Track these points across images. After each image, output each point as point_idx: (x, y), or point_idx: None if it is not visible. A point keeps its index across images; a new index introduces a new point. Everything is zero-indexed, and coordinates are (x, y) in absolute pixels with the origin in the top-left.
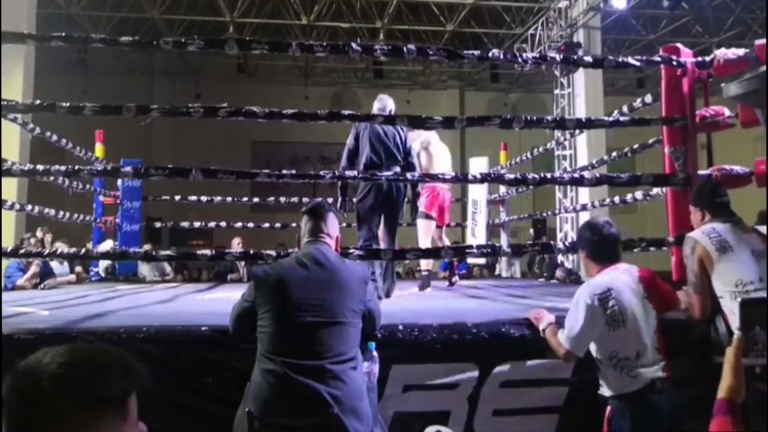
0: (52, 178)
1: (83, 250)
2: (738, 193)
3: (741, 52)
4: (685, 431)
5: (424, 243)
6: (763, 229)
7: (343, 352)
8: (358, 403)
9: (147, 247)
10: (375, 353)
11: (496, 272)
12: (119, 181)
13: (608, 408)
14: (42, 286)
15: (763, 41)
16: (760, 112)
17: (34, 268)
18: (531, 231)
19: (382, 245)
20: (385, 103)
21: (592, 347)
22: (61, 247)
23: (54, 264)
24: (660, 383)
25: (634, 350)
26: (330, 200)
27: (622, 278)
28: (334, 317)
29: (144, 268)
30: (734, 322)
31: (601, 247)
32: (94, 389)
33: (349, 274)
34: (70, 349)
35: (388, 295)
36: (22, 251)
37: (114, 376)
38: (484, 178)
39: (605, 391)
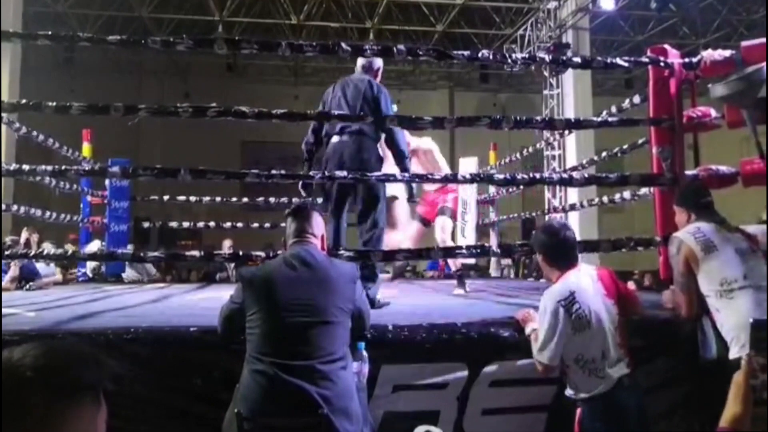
0: (38, 178)
1: (70, 251)
2: (725, 193)
3: (727, 53)
4: (671, 429)
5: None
6: (754, 228)
7: (332, 351)
8: (348, 403)
9: (130, 247)
10: (365, 353)
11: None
12: (107, 181)
13: (578, 410)
14: (27, 287)
15: (748, 42)
16: (746, 113)
17: (13, 270)
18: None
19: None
20: (370, 60)
21: None
22: (48, 247)
23: (40, 265)
24: (626, 380)
25: (599, 351)
26: (320, 200)
27: (582, 280)
28: (322, 317)
29: (128, 270)
30: (720, 319)
31: (559, 250)
32: (75, 377)
33: (336, 273)
34: (41, 344)
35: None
36: (7, 253)
37: (90, 366)
38: (473, 178)
39: (573, 393)
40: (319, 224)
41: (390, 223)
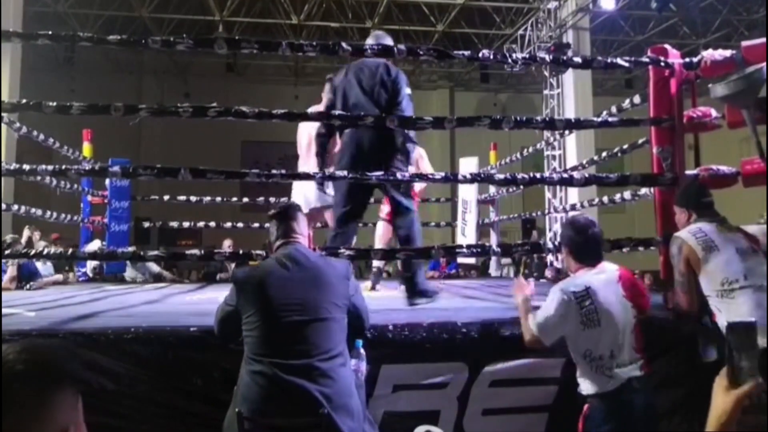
0: (39, 178)
1: (70, 251)
2: (725, 193)
3: (728, 53)
4: (672, 429)
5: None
6: (754, 228)
7: (329, 348)
8: (348, 400)
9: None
10: (362, 351)
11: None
12: (107, 181)
13: (585, 406)
14: (27, 287)
15: (749, 42)
16: (747, 113)
17: (11, 270)
18: (535, 233)
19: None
20: (378, 41)
21: (568, 345)
22: (44, 246)
23: (39, 264)
24: (636, 382)
25: (608, 349)
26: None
27: (600, 277)
28: (317, 314)
29: (129, 271)
30: (721, 320)
31: (585, 247)
32: (58, 367)
33: (329, 270)
34: (15, 344)
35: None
36: (6, 252)
37: (68, 359)
38: (474, 178)
39: (583, 389)
40: (304, 224)
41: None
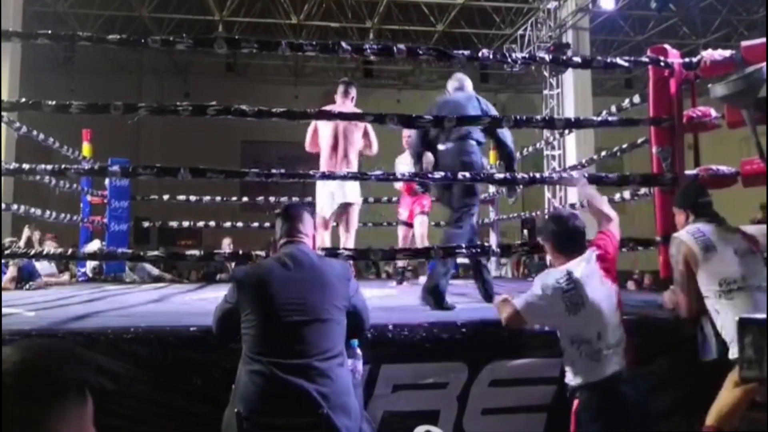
0: (38, 178)
1: (70, 250)
2: (725, 193)
3: (727, 53)
4: (672, 429)
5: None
6: (753, 228)
7: (328, 348)
8: (346, 399)
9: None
10: (358, 350)
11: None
12: (107, 181)
13: (575, 401)
14: (27, 287)
15: (748, 42)
16: (746, 113)
17: (11, 271)
18: (525, 232)
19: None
20: (462, 82)
21: (558, 333)
22: (48, 246)
23: (44, 263)
24: (625, 373)
25: (595, 331)
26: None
27: (580, 262)
28: (317, 315)
29: (129, 275)
30: (719, 320)
31: (567, 239)
32: (58, 375)
33: (329, 271)
34: (18, 347)
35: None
36: (7, 252)
37: (71, 363)
38: (473, 178)
39: (572, 379)
40: (309, 224)
41: (347, 227)
